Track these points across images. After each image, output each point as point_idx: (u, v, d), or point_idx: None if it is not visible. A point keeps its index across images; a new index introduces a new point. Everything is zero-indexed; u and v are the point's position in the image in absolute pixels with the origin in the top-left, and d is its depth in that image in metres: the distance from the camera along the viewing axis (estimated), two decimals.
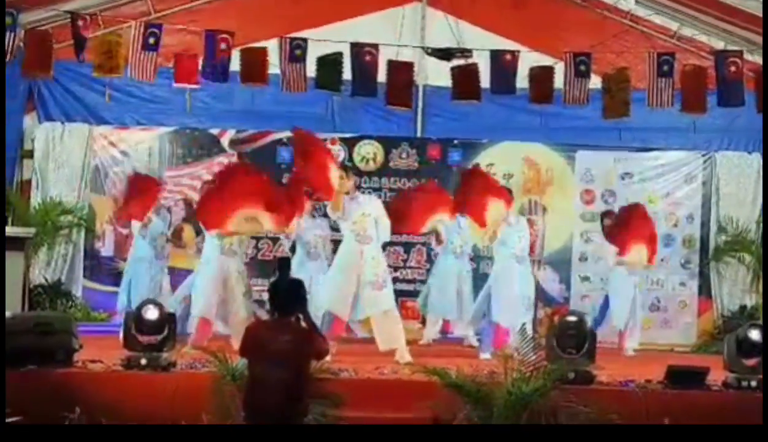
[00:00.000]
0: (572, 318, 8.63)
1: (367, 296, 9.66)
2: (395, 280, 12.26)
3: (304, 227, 11.27)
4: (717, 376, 8.37)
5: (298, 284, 6.20)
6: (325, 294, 9.95)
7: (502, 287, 10.46)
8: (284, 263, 6.39)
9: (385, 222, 9.97)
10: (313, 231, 11.36)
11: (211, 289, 10.22)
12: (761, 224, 12.67)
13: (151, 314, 8.25)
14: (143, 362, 8.06)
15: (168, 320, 8.42)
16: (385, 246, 12.50)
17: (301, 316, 5.90)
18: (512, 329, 10.05)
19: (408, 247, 12.66)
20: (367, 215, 9.78)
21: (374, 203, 10.11)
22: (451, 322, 11.95)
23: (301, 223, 11.24)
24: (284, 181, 12.66)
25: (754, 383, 8.09)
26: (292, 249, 11.50)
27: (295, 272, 11.10)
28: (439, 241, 11.66)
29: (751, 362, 8.24)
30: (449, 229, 11.40)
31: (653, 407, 7.75)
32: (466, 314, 11.35)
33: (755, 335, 8.31)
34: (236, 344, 7.69)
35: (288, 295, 5.97)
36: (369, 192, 11.76)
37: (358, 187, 10.42)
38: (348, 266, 9.71)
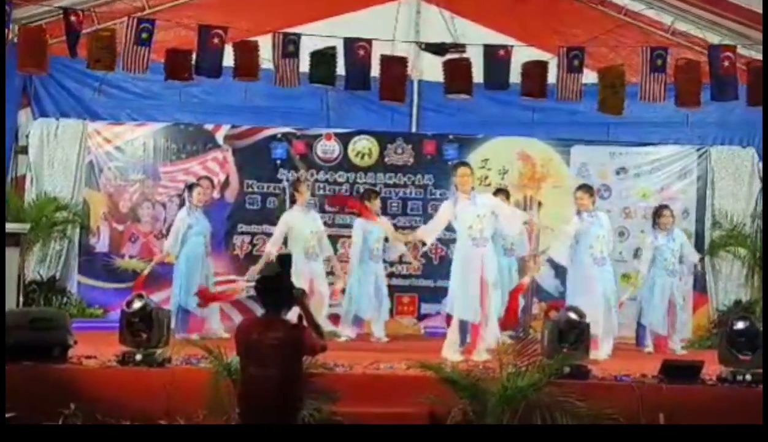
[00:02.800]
0: (570, 313, 8.62)
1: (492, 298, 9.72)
2: (391, 275, 12.30)
3: (371, 228, 11.34)
4: (712, 370, 8.39)
5: (281, 279, 5.99)
6: (456, 303, 9.83)
7: (579, 289, 10.37)
8: (285, 260, 6.23)
9: (506, 213, 10.10)
10: (377, 233, 11.39)
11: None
12: (756, 219, 12.68)
13: (141, 309, 8.27)
14: (138, 357, 8.07)
15: (161, 315, 8.43)
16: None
17: (302, 312, 5.84)
18: None
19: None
20: (482, 217, 9.74)
21: (487, 202, 10.03)
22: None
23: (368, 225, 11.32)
24: (279, 176, 12.68)
25: (748, 377, 8.13)
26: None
27: (362, 273, 11.31)
28: None
29: (745, 356, 8.28)
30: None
31: (648, 401, 7.77)
32: None
33: (741, 325, 8.40)
34: None
35: (274, 292, 5.90)
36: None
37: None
38: (469, 271, 9.69)
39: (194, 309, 10.93)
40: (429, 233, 10.21)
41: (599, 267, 10.41)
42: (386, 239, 11.36)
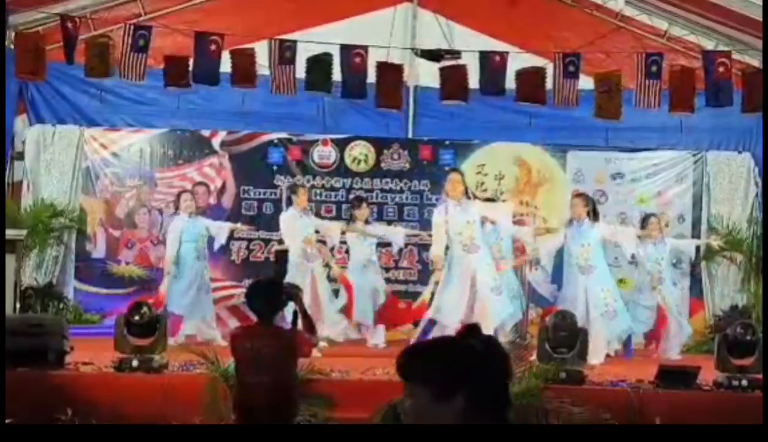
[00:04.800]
0: (558, 317, 8.62)
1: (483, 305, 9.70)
2: (387, 281, 12.29)
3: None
4: (708, 376, 8.40)
5: (270, 286, 6.04)
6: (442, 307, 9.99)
7: (567, 296, 10.44)
8: (280, 256, 6.14)
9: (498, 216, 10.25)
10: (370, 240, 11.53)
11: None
12: (752, 224, 12.69)
13: (142, 316, 8.26)
14: (135, 363, 8.06)
15: (159, 321, 8.43)
16: (377, 246, 12.51)
17: (296, 307, 5.82)
18: None
19: (399, 248, 12.62)
20: (471, 223, 9.78)
21: (476, 208, 10.07)
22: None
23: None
24: (275, 182, 12.68)
25: (745, 383, 8.13)
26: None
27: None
28: None
29: (741, 361, 8.28)
30: (487, 235, 11.34)
31: (645, 406, 7.77)
32: None
33: (738, 331, 8.39)
34: None
35: (261, 299, 5.86)
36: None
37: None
38: (457, 275, 9.79)
39: (180, 312, 10.97)
40: (439, 248, 10.27)
41: (585, 276, 10.35)
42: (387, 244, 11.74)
